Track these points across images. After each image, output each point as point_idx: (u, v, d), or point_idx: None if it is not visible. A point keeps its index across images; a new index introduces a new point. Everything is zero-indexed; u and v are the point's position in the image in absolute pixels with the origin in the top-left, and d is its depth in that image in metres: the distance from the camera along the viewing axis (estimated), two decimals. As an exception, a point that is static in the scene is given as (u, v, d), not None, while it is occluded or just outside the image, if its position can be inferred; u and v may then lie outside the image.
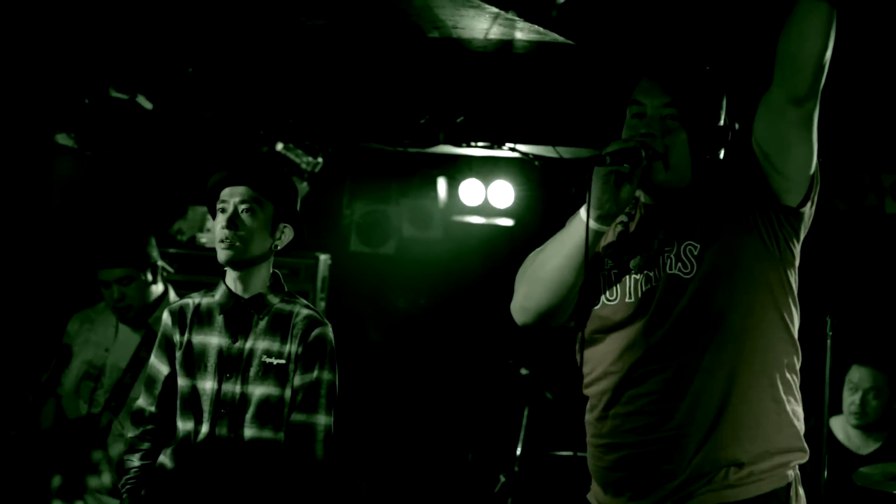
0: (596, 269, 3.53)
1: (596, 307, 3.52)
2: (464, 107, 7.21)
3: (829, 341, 5.44)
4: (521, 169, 8.72)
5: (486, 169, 8.84)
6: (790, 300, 3.43)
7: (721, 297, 3.33)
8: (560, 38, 5.14)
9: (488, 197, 8.93)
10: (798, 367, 3.47)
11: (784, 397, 3.39)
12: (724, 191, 3.42)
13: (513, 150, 7.79)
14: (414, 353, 9.28)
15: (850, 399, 6.06)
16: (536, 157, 7.93)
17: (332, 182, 8.93)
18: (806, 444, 3.46)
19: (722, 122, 3.50)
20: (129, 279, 5.55)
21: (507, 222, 9.16)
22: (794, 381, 3.45)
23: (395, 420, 9.14)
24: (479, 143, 7.66)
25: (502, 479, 7.61)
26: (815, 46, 3.14)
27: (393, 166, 9.09)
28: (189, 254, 7.63)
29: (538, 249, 3.60)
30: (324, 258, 8.10)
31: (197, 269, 7.31)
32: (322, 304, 8.03)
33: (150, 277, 5.61)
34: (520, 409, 7.68)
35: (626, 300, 3.45)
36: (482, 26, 5.10)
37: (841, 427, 6.17)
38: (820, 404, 5.42)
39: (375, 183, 9.37)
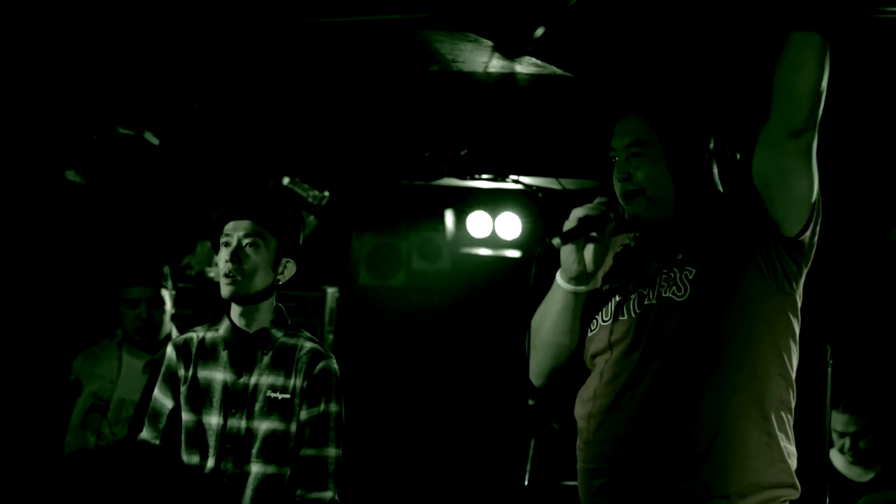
0: (601, 304, 3.56)
1: (593, 330, 3.54)
2: (467, 140, 7.24)
3: (829, 369, 5.43)
4: (527, 201, 8.74)
5: (493, 201, 8.86)
6: (788, 335, 3.40)
7: (713, 323, 3.30)
8: (559, 71, 5.18)
9: (496, 229, 8.94)
10: (793, 405, 3.42)
11: (777, 432, 3.34)
12: (724, 220, 3.41)
13: (516, 182, 7.82)
14: (422, 384, 9.28)
15: (840, 443, 6.04)
16: (540, 188, 7.96)
17: (341, 215, 8.96)
18: (797, 482, 3.38)
19: (706, 145, 3.49)
20: (159, 301, 5.61)
21: (515, 254, 9.17)
22: (788, 419, 3.40)
23: (403, 450, 9.14)
24: (483, 176, 7.70)
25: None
26: (810, 78, 3.14)
27: (401, 199, 9.12)
28: (198, 288, 7.65)
29: (538, 311, 3.63)
30: (332, 291, 8.13)
31: (206, 303, 7.34)
32: (330, 337, 8.06)
33: (170, 305, 5.69)
34: (527, 440, 7.66)
35: (620, 318, 3.45)
36: (481, 59, 5.13)
37: (839, 459, 6.15)
38: (822, 433, 5.41)
39: (384, 216, 9.40)
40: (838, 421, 6.00)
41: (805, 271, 3.41)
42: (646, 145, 3.44)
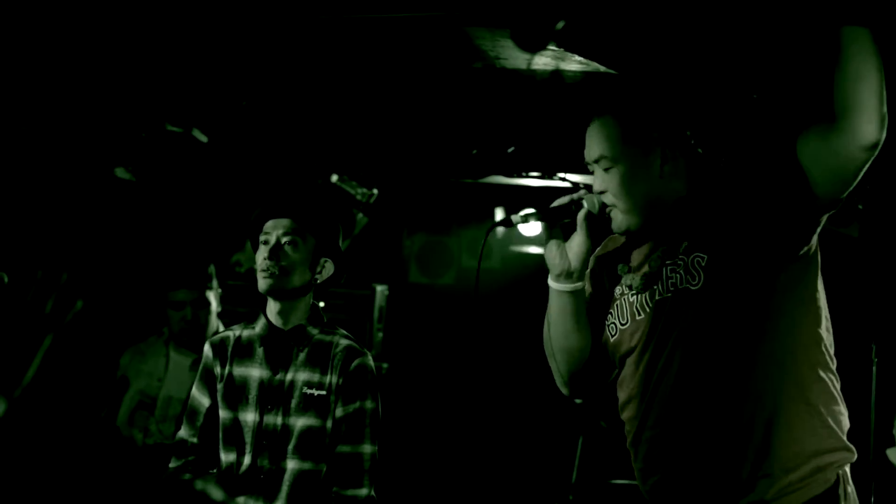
0: (607, 304, 3.54)
1: (614, 335, 3.50)
2: (514, 138, 7.22)
3: (874, 367, 5.38)
4: (578, 199, 8.69)
5: (543, 199, 8.83)
6: (815, 296, 3.33)
7: (733, 305, 3.24)
8: (603, 68, 5.15)
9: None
10: (833, 365, 3.33)
11: (817, 399, 3.26)
12: (728, 201, 3.35)
13: (563, 179, 7.78)
14: (471, 382, 9.27)
15: None
16: (587, 186, 7.92)
17: (391, 213, 8.97)
18: (850, 444, 3.30)
19: (681, 138, 3.42)
20: (203, 302, 5.64)
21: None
22: (831, 379, 3.31)
23: (451, 447, 9.14)
24: (531, 174, 7.67)
25: (559, 508, 7.59)
26: (874, 84, 3.07)
27: (451, 197, 9.12)
28: (248, 285, 7.66)
29: (544, 321, 3.62)
30: (381, 289, 8.12)
31: (257, 301, 7.37)
32: (379, 335, 8.04)
33: (216, 305, 5.72)
34: (575, 438, 7.65)
35: (637, 318, 3.42)
36: (524, 56, 5.11)
37: None
38: (867, 431, 5.35)
39: (434, 214, 9.40)
40: None
41: (823, 222, 3.30)
42: (609, 159, 3.41)
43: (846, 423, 3.33)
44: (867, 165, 3.15)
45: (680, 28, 4.77)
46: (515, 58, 5.16)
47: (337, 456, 4.11)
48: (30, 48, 5.52)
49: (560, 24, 4.29)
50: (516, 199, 8.92)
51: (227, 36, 5.41)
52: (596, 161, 3.43)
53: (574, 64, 5.30)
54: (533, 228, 8.96)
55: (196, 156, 6.94)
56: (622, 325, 3.47)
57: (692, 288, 3.29)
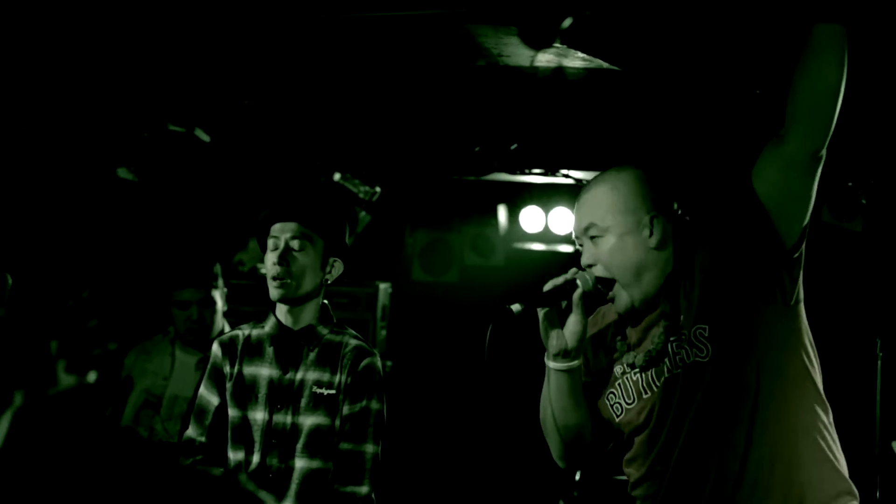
0: (606, 383, 3.53)
1: (620, 416, 3.48)
2: (517, 134, 7.22)
3: (879, 363, 5.39)
4: (580, 195, 8.69)
5: (545, 196, 8.83)
6: (808, 347, 3.35)
7: (740, 371, 3.25)
8: (606, 65, 5.15)
9: (549, 224, 8.92)
10: (829, 414, 3.36)
11: (827, 445, 3.30)
12: (711, 261, 3.35)
13: (566, 176, 7.79)
14: (473, 379, 9.27)
15: None
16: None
17: (394, 211, 8.97)
18: (853, 487, 3.33)
19: (660, 211, 3.43)
20: (209, 302, 5.64)
21: (568, 249, 9.13)
22: (828, 425, 3.34)
23: (455, 445, 9.14)
24: (534, 171, 7.67)
25: (561, 503, 7.59)
26: (834, 89, 3.08)
27: (454, 195, 9.12)
28: (252, 285, 7.66)
29: (541, 399, 3.64)
30: (384, 287, 8.13)
31: (262, 299, 7.37)
32: (383, 333, 8.05)
33: (222, 304, 5.71)
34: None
35: (644, 397, 3.40)
36: (527, 54, 5.11)
37: None
38: (872, 425, 5.36)
39: (437, 211, 9.40)
40: None
41: (800, 281, 3.35)
42: (599, 227, 3.41)
43: (846, 470, 3.36)
44: (816, 179, 3.18)
45: (683, 26, 4.77)
46: (519, 55, 5.16)
47: (339, 453, 4.12)
48: (32, 49, 5.52)
49: (567, 22, 4.29)
50: (519, 196, 8.92)
51: (229, 35, 5.41)
52: (585, 230, 3.43)
53: (577, 61, 5.31)
54: (536, 224, 8.96)
55: (198, 155, 6.94)
56: (628, 404, 3.45)
57: (701, 361, 3.28)
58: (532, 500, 8.62)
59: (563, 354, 3.46)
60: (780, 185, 3.23)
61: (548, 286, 3.42)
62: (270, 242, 4.17)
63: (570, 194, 8.68)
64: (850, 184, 6.04)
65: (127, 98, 6.34)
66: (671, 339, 3.35)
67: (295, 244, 4.13)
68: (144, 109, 6.48)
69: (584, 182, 7.70)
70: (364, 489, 4.11)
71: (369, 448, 4.13)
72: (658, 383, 3.36)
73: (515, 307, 3.34)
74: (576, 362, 3.48)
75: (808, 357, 3.35)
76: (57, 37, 5.39)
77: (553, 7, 4.28)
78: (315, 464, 4.09)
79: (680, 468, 3.30)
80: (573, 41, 4.75)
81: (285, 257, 4.11)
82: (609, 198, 3.41)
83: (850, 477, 3.35)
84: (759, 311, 3.27)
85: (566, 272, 3.43)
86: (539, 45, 4.45)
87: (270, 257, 4.15)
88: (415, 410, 8.76)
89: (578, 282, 3.40)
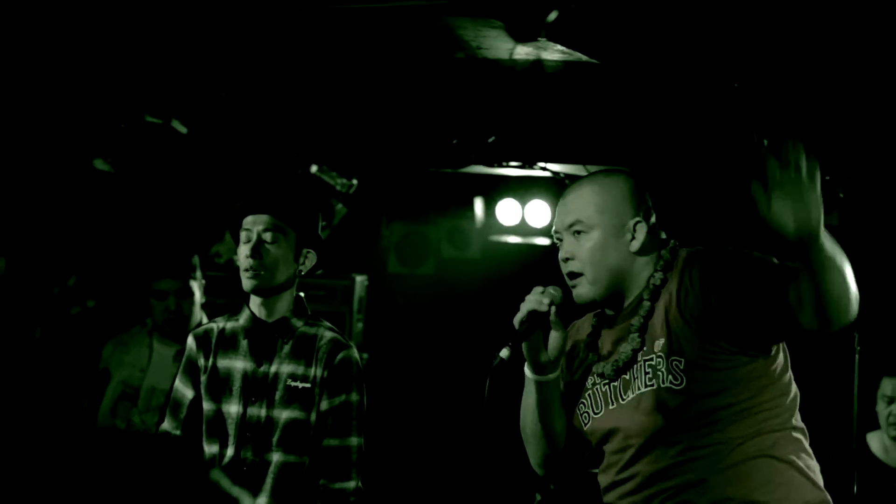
0: (578, 392, 3.55)
1: (587, 425, 3.51)
2: (494, 127, 7.22)
3: (857, 356, 5.41)
4: (557, 188, 8.68)
5: (522, 189, 8.83)
6: (781, 371, 3.36)
7: (711, 398, 3.26)
8: (585, 58, 5.15)
9: (525, 216, 8.91)
10: (800, 423, 3.38)
11: (790, 463, 3.31)
12: (702, 305, 3.30)
13: (544, 169, 7.79)
14: (450, 372, 9.27)
15: (887, 411, 5.98)
16: (567, 176, 7.93)
17: (371, 203, 8.96)
18: (826, 495, 3.35)
19: (639, 217, 3.46)
20: (187, 292, 5.62)
21: (545, 241, 9.13)
22: (802, 438, 3.37)
23: (432, 438, 9.14)
24: (511, 163, 7.67)
25: (538, 497, 7.59)
26: (834, 291, 2.98)
27: (430, 187, 9.11)
28: (228, 277, 7.64)
29: (521, 407, 3.67)
30: (360, 279, 8.12)
31: (238, 291, 7.35)
32: (359, 325, 8.04)
33: (199, 295, 5.70)
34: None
35: (610, 408, 3.43)
36: (506, 46, 5.11)
37: (878, 441, 6.09)
38: (849, 419, 5.37)
39: (413, 204, 9.39)
40: (889, 385, 5.90)
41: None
42: (584, 224, 3.43)
43: (819, 477, 3.37)
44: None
45: (667, 18, 4.78)
46: (497, 48, 5.16)
47: (324, 450, 4.11)
48: (8, 40, 5.50)
49: (553, 16, 4.29)
50: (496, 189, 8.92)
51: (207, 26, 5.39)
52: (570, 226, 3.45)
53: (555, 53, 5.30)
54: (513, 217, 8.96)
55: (175, 147, 6.92)
56: (595, 413, 3.48)
57: (674, 387, 3.28)
58: (509, 493, 8.62)
59: (544, 367, 3.49)
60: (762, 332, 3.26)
61: (521, 319, 3.40)
62: (243, 235, 4.16)
63: (547, 187, 8.68)
64: (827, 178, 6.07)
65: (103, 89, 6.32)
66: (645, 358, 3.36)
67: (267, 236, 4.11)
68: (121, 100, 6.46)
69: (563, 175, 7.79)
70: (352, 483, 4.11)
71: (354, 441, 4.13)
72: (624, 396, 3.39)
73: (505, 353, 3.34)
74: (554, 374, 3.50)
75: (781, 386, 3.36)
76: (33, 28, 5.37)
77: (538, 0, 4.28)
78: (291, 458, 4.08)
79: (644, 481, 3.33)
80: (557, 35, 4.75)
81: (258, 249, 4.09)
82: (598, 197, 3.44)
83: (828, 471, 3.37)
84: (741, 362, 3.27)
85: (526, 301, 3.42)
86: (524, 38, 4.45)
87: (243, 249, 4.13)
88: (391, 403, 8.75)
89: (546, 300, 3.40)
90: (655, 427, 3.30)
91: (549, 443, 3.59)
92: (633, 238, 3.43)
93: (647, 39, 5.08)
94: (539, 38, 4.69)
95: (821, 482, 3.36)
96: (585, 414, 3.51)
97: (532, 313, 3.40)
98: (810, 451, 3.39)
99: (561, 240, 3.50)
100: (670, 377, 3.28)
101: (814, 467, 3.37)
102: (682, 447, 3.28)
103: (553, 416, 3.55)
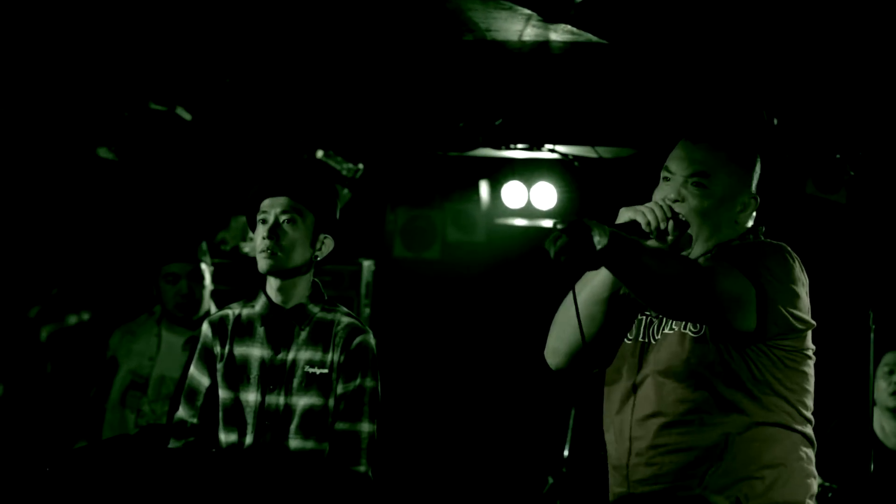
0: (629, 309, 3.54)
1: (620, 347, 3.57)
2: (502, 109, 7.20)
3: (871, 335, 5.38)
4: (563, 170, 8.65)
5: (528, 171, 8.78)
6: (804, 352, 3.44)
7: (726, 355, 3.34)
8: (594, 38, 5.12)
9: (531, 199, 8.86)
10: (810, 431, 3.45)
11: (792, 457, 3.38)
12: None
13: (552, 151, 7.76)
14: (459, 356, 9.26)
15: (887, 381, 5.92)
16: (576, 157, 7.90)
17: (376, 188, 8.94)
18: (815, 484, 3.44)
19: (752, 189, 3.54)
20: (199, 276, 5.60)
21: (551, 224, 9.08)
22: (807, 450, 3.44)
23: (441, 423, 9.13)
24: (518, 146, 7.64)
25: (550, 480, 7.59)
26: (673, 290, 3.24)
27: (436, 171, 9.08)
28: (233, 264, 7.62)
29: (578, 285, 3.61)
30: (367, 264, 8.10)
31: (242, 279, 7.32)
32: (367, 311, 8.03)
33: (209, 280, 5.68)
34: (566, 411, 7.65)
35: (640, 340, 3.50)
36: (516, 28, 5.09)
37: (877, 421, 6.05)
38: (865, 398, 5.36)
39: (419, 188, 9.36)
40: (892, 356, 5.86)
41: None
42: (708, 178, 3.45)
43: (815, 479, 3.46)
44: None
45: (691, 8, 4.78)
46: (507, 30, 5.14)
47: (335, 433, 4.08)
48: (10, 29, 5.47)
49: None
50: (501, 172, 8.89)
51: (210, 12, 5.37)
52: (693, 174, 3.45)
53: (563, 34, 5.28)
54: (518, 200, 8.91)
55: (180, 134, 6.90)
56: (629, 339, 3.54)
57: (692, 334, 3.38)
58: (521, 477, 8.62)
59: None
60: None
61: (629, 215, 3.38)
62: (260, 217, 4.11)
63: (552, 169, 8.64)
64: (837, 156, 6.05)
65: (107, 77, 6.30)
66: None
67: (285, 218, 4.07)
68: (125, 88, 6.44)
69: (571, 156, 7.76)
70: (361, 468, 4.07)
71: (365, 427, 4.09)
72: (656, 336, 3.45)
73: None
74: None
75: (802, 372, 3.43)
76: (36, 17, 5.34)
77: None
78: (309, 444, 4.05)
79: (649, 415, 3.41)
80: (585, 16, 4.73)
81: (275, 231, 4.05)
82: (733, 164, 3.49)
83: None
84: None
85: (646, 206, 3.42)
86: (554, 18, 4.42)
87: (260, 231, 4.09)
88: (400, 387, 8.75)
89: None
90: (669, 367, 3.38)
91: (589, 328, 3.46)
92: (742, 211, 3.49)
93: (667, 19, 5.06)
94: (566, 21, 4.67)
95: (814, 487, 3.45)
96: (626, 336, 3.54)
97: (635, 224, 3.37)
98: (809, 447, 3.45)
99: (669, 178, 3.49)
100: (689, 324, 3.37)
101: (812, 474, 3.45)
102: (694, 395, 3.34)
103: (605, 304, 3.49)
